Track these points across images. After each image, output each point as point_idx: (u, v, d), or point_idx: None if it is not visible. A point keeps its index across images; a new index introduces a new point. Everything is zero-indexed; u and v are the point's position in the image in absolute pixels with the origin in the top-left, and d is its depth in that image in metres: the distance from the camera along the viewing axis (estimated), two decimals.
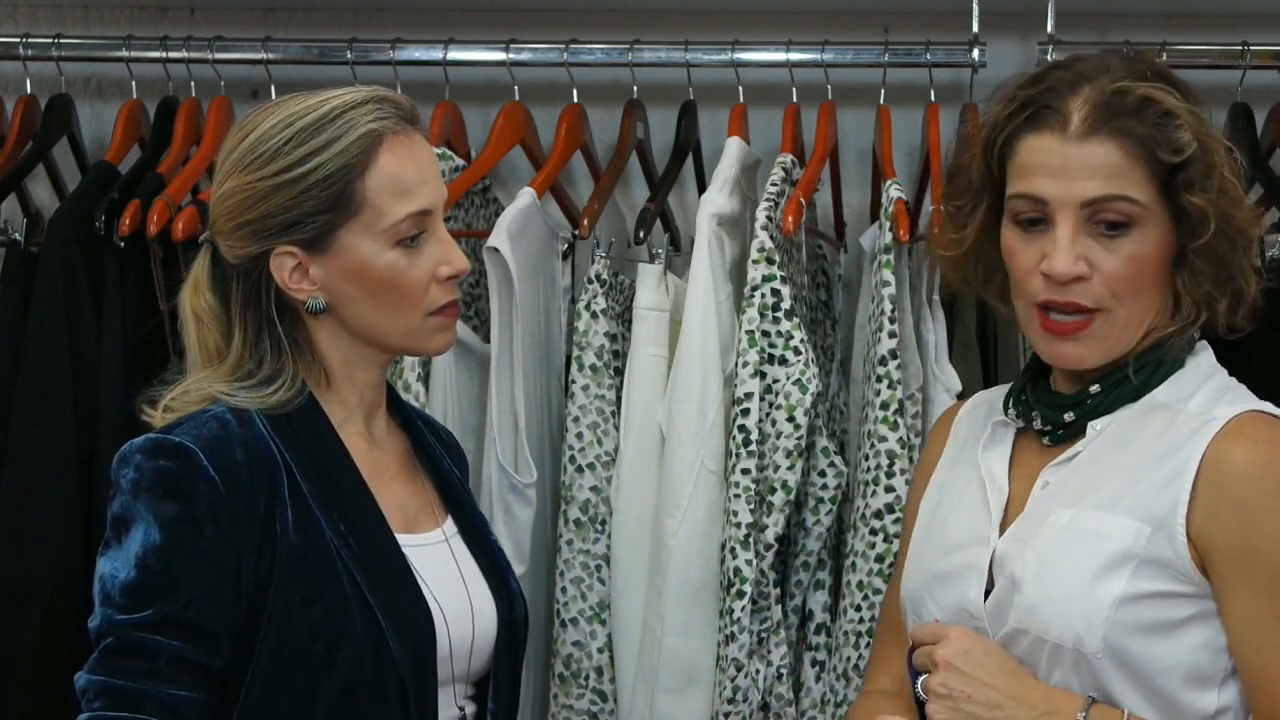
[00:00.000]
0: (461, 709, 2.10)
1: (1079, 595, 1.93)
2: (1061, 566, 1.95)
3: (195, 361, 2.08)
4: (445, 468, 2.20)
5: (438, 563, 2.09)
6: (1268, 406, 2.00)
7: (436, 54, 3.14)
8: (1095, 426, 2.02)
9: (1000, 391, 2.19)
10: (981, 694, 1.94)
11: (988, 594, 2.03)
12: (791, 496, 2.75)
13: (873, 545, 2.72)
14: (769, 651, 2.76)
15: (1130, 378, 2.02)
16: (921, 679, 2.00)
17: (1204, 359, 2.06)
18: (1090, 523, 1.96)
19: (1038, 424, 2.07)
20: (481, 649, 2.10)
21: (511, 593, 2.16)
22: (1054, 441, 2.06)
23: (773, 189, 2.83)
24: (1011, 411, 2.11)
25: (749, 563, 2.71)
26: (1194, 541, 1.92)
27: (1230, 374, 2.10)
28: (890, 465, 2.72)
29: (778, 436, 2.75)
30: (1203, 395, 2.01)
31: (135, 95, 3.21)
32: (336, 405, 2.08)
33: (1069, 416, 2.04)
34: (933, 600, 2.08)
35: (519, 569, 2.80)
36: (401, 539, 2.06)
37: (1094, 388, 2.02)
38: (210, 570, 1.93)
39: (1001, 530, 2.05)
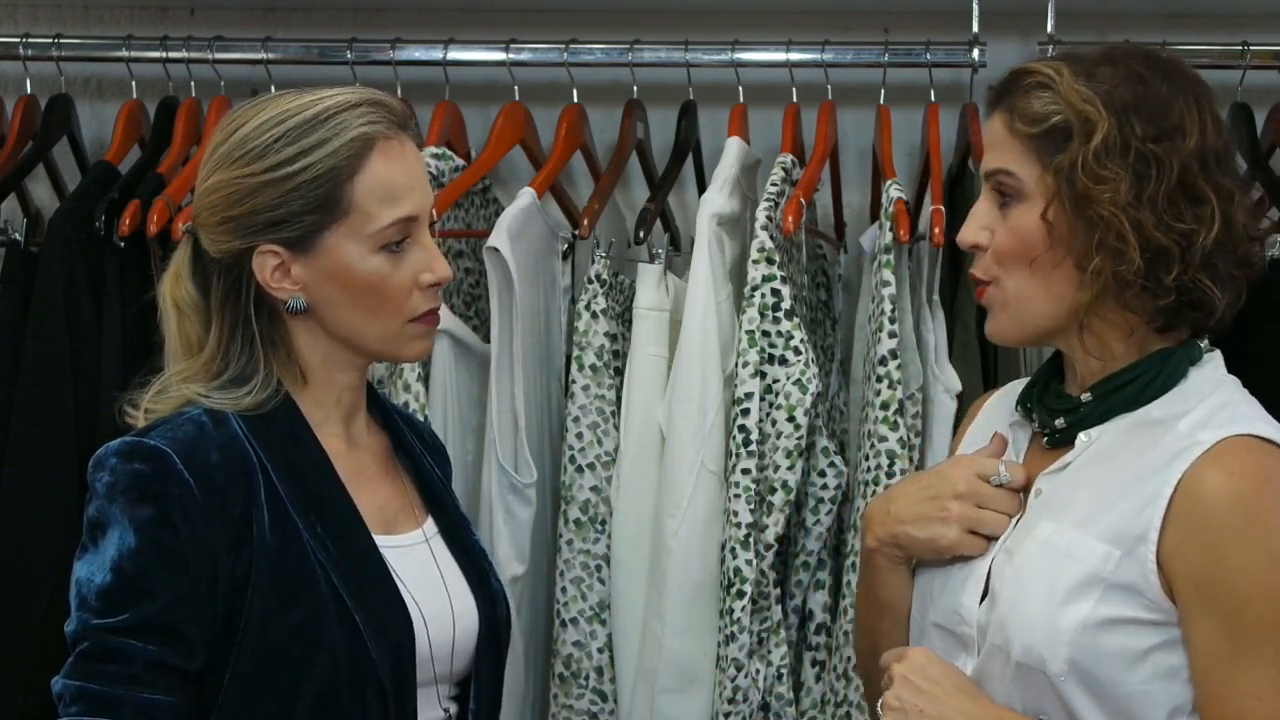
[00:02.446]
0: (446, 710, 2.09)
1: (1045, 616, 1.90)
2: (1033, 585, 1.93)
3: (174, 352, 2.06)
4: (426, 467, 2.19)
5: (417, 564, 2.08)
6: (1261, 428, 1.91)
7: (436, 54, 3.14)
8: (1084, 438, 1.98)
9: (1025, 384, 2.16)
10: (932, 707, 1.93)
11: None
12: (791, 496, 2.75)
13: None
14: (769, 651, 2.76)
15: (1122, 389, 1.97)
16: (882, 701, 1.99)
17: (1208, 371, 1.98)
18: (1064, 541, 1.92)
19: (1035, 425, 2.05)
20: (463, 650, 2.09)
21: (493, 593, 2.15)
22: (1051, 445, 2.03)
23: (773, 189, 2.83)
24: (1018, 410, 2.08)
25: (749, 563, 2.71)
26: (1163, 568, 1.87)
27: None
28: (890, 465, 2.72)
29: (778, 436, 2.75)
30: (1196, 414, 1.93)
31: (135, 95, 3.21)
32: (314, 405, 2.07)
33: (1060, 422, 2.00)
34: (930, 599, 2.06)
35: (519, 569, 2.81)
36: (380, 540, 2.05)
37: (1085, 395, 1.98)
38: (186, 573, 1.92)
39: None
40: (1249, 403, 1.97)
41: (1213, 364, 1.99)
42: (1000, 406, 2.16)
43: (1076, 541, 1.91)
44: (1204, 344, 1.99)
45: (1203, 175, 1.92)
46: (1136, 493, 1.89)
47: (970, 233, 2.00)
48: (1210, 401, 1.94)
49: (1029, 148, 1.95)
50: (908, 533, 2.04)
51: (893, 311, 2.74)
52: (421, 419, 2.72)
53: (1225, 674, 1.84)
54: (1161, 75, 1.95)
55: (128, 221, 2.87)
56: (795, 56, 3.10)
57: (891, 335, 2.73)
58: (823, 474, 2.83)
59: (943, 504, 2.02)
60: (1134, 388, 1.96)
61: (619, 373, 2.89)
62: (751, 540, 2.71)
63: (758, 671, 2.75)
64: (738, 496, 2.72)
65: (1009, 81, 2.00)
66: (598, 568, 2.85)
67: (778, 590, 2.77)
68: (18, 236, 2.99)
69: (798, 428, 2.74)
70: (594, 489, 2.85)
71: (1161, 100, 1.93)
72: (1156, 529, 1.87)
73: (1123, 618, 1.88)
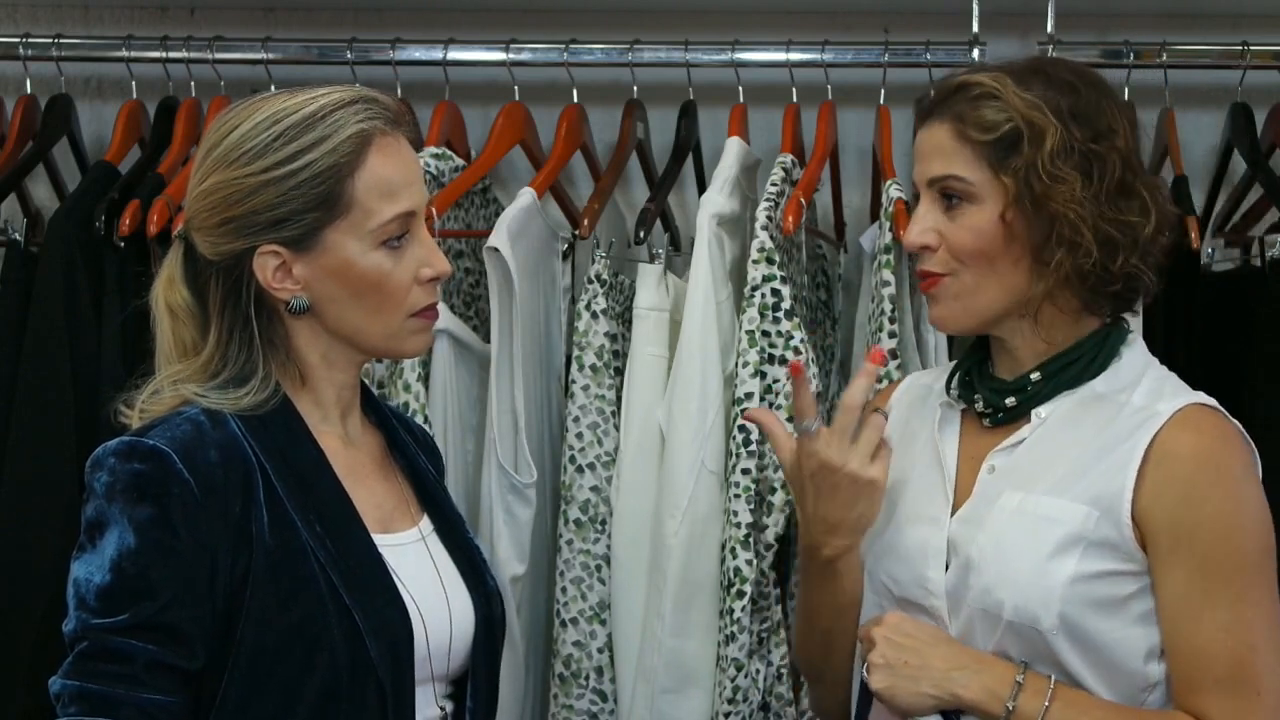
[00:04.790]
0: (442, 708, 2.09)
1: (1034, 576, 2.04)
2: (1016, 549, 2.06)
3: (167, 355, 2.06)
4: (420, 466, 2.19)
5: (414, 562, 2.09)
6: (1203, 398, 2.11)
7: (436, 54, 3.14)
8: (1039, 414, 2.13)
9: (933, 374, 2.32)
10: (915, 658, 2.07)
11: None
12: (791, 496, 2.75)
13: None
14: (769, 651, 2.76)
15: (1067, 367, 2.13)
16: (866, 664, 2.11)
17: (1137, 350, 2.16)
18: (1040, 507, 2.08)
19: (979, 406, 2.17)
20: (459, 648, 2.10)
21: (488, 590, 2.15)
22: (994, 424, 2.16)
23: (773, 189, 2.83)
24: (954, 392, 2.21)
25: (749, 563, 2.71)
26: (1138, 522, 2.04)
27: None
28: None
29: None
30: (1143, 389, 2.12)
31: (135, 95, 3.21)
32: (312, 405, 2.08)
33: (1010, 401, 2.15)
34: (887, 575, 2.17)
35: (519, 569, 2.80)
36: (378, 539, 2.05)
37: (1034, 375, 2.13)
38: (185, 573, 1.92)
39: (952, 512, 2.14)
40: (1175, 377, 2.17)
41: (1138, 343, 2.18)
42: (913, 395, 2.29)
43: (1054, 506, 2.07)
44: (1127, 324, 2.17)
45: (1133, 172, 2.10)
46: (1106, 459, 2.07)
47: (918, 235, 2.14)
48: (1149, 377, 2.14)
49: (979, 153, 2.10)
50: (853, 520, 2.16)
51: (893, 311, 2.74)
52: (421, 419, 2.72)
53: (1196, 611, 2.02)
54: (1087, 83, 2.13)
55: (128, 221, 2.88)
56: (795, 56, 3.10)
57: (891, 335, 2.73)
58: None
59: (836, 476, 2.13)
60: (1077, 366, 2.13)
61: (619, 373, 2.89)
62: (751, 540, 2.71)
63: (758, 671, 2.75)
64: (738, 496, 2.72)
65: (949, 93, 2.14)
66: (598, 568, 2.85)
67: (778, 590, 2.77)
68: (18, 236, 2.99)
69: None
70: (594, 489, 2.85)
71: (1092, 105, 2.11)
72: (1130, 489, 2.04)
73: (1103, 571, 2.04)
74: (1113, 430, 2.08)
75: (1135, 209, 2.09)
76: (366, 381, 2.19)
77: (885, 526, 2.20)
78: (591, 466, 2.85)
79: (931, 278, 2.14)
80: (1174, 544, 2.02)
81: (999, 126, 2.09)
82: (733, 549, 2.72)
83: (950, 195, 2.12)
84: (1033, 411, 2.13)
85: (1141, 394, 2.11)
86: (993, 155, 2.09)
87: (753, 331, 2.75)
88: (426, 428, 2.56)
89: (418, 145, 2.12)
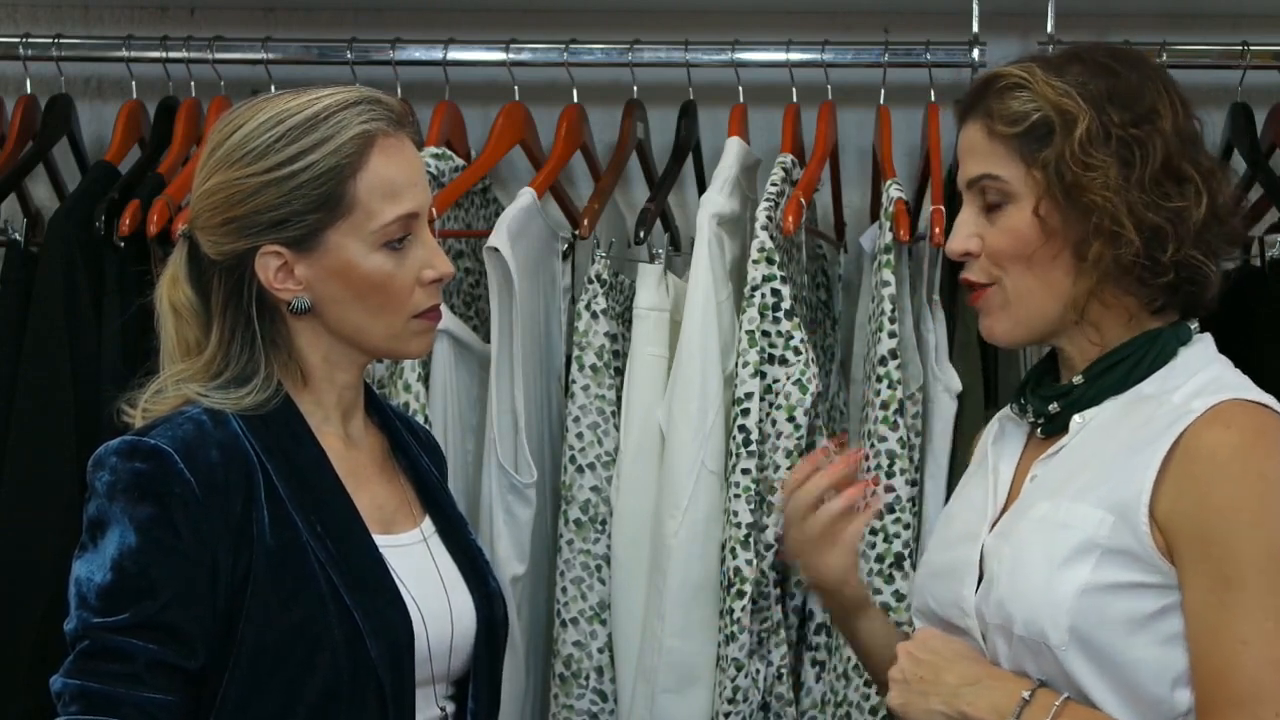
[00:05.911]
0: (443, 709, 2.09)
1: (1042, 586, 1.91)
2: (1030, 559, 1.94)
3: (171, 354, 2.07)
4: (423, 467, 2.19)
5: (416, 563, 2.09)
6: (1256, 395, 1.94)
7: (436, 54, 3.14)
8: (1079, 420, 2.01)
9: None
10: (930, 673, 1.97)
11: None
12: None
13: (873, 545, 2.72)
14: (769, 651, 2.76)
15: (1112, 369, 2.01)
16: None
17: (1198, 351, 2.02)
18: (1061, 514, 1.94)
19: (1030, 416, 2.07)
20: (461, 649, 2.10)
21: (490, 592, 2.15)
22: (1045, 434, 2.05)
23: (773, 189, 2.83)
24: (1014, 405, 2.11)
25: (749, 563, 2.71)
26: (1160, 527, 1.88)
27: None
28: (890, 465, 2.72)
29: (778, 436, 2.75)
30: (1189, 387, 1.96)
31: (135, 95, 3.21)
32: (314, 406, 2.08)
33: (1053, 408, 2.03)
34: (931, 596, 2.08)
35: (519, 569, 2.81)
36: (379, 539, 2.05)
37: (1077, 379, 2.02)
38: (187, 572, 1.92)
39: (995, 525, 2.05)
40: (1240, 376, 2.01)
41: (1203, 344, 2.03)
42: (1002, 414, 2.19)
43: (1072, 511, 1.93)
44: (1194, 326, 2.03)
45: (1182, 154, 1.98)
46: (1130, 461, 1.92)
47: (959, 241, 2.04)
48: (1201, 376, 1.98)
49: (1011, 148, 2.00)
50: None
51: (893, 311, 2.74)
52: (421, 419, 2.72)
53: (1214, 624, 1.85)
54: (1128, 65, 2.02)
55: (128, 221, 2.88)
56: (795, 56, 3.10)
57: (891, 335, 2.73)
58: None
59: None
60: (1124, 367, 2.00)
61: (619, 373, 2.89)
62: (751, 540, 2.71)
63: (758, 671, 2.75)
64: (738, 496, 2.72)
65: (980, 88, 2.04)
66: (598, 568, 2.85)
67: (778, 590, 2.77)
68: (18, 236, 2.99)
69: (798, 428, 2.74)
70: (594, 489, 2.85)
71: (1133, 88, 1.99)
72: (1149, 491, 1.89)
73: (1122, 583, 1.89)
74: (1143, 431, 1.93)
75: (1187, 194, 1.96)
76: (367, 381, 2.19)
77: (935, 548, 2.13)
78: (591, 466, 2.85)
79: (976, 290, 2.04)
80: (1194, 550, 1.86)
81: (1027, 117, 1.98)
82: (733, 549, 2.72)
83: (989, 195, 2.01)
84: (1073, 418, 2.01)
85: (1184, 392, 1.95)
86: (1024, 148, 1.98)
87: (753, 331, 2.75)
88: (428, 428, 2.56)
89: (418, 146, 2.12)
